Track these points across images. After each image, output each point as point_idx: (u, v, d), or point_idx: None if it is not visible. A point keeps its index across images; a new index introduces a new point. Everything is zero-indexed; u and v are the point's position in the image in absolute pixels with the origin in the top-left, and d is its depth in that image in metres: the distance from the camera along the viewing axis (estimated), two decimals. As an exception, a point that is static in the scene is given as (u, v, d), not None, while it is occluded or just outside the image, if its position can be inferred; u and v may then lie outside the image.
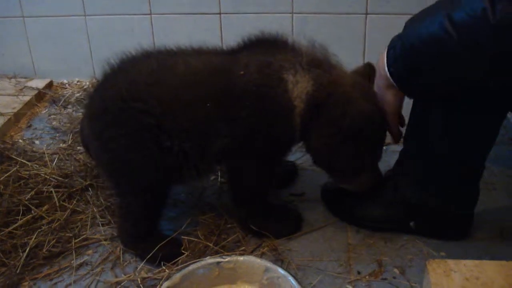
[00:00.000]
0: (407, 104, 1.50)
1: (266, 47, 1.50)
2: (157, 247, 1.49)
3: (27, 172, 1.86)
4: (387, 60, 1.34)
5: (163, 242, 1.51)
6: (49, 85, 2.70)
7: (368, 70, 1.55)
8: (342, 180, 1.63)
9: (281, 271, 1.32)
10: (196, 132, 1.46)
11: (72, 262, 1.54)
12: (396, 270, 1.48)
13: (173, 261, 1.49)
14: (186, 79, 1.46)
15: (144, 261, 1.51)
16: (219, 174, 1.89)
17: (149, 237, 1.55)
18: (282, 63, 1.45)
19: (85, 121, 1.58)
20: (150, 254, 1.49)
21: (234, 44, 1.55)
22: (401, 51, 1.29)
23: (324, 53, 1.53)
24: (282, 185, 1.85)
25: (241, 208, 1.63)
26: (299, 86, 1.44)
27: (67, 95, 2.58)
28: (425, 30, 1.22)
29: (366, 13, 2.35)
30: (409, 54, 1.28)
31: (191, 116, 1.44)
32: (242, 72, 1.43)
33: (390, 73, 1.34)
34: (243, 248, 1.56)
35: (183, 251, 1.52)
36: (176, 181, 1.59)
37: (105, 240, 1.62)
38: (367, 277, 1.46)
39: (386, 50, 1.35)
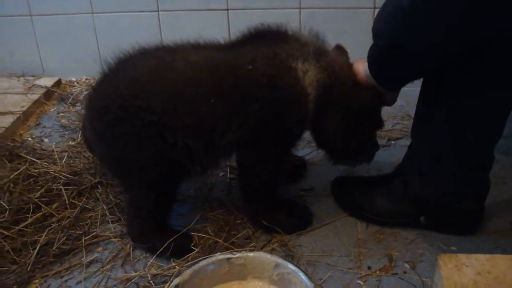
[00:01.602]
0: (413, 98, 1.50)
1: (270, 39, 1.50)
2: (168, 242, 1.50)
3: (37, 170, 1.86)
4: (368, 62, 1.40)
5: (174, 237, 1.51)
6: (58, 83, 2.69)
7: (341, 51, 1.59)
8: (348, 159, 1.66)
9: (291, 266, 1.32)
10: (201, 128, 1.46)
11: (82, 259, 1.55)
12: (406, 265, 1.47)
13: (183, 257, 1.50)
14: (188, 75, 1.45)
15: (155, 256, 1.51)
16: (228, 170, 1.89)
17: (159, 231, 1.56)
18: (291, 52, 1.46)
19: (87, 122, 1.58)
20: (161, 249, 1.49)
21: (233, 38, 1.55)
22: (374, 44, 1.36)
23: (322, 41, 1.55)
24: (292, 180, 1.84)
25: (251, 204, 1.63)
26: (310, 74, 1.45)
27: (76, 93, 2.58)
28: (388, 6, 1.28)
29: (374, 7, 2.35)
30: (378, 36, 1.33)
31: (195, 112, 1.44)
32: (250, 67, 1.43)
33: (368, 63, 1.40)
34: (253, 244, 1.56)
35: (193, 247, 1.52)
36: (182, 177, 1.59)
37: (115, 237, 1.62)
38: (377, 272, 1.46)
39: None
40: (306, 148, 2.00)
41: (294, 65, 1.45)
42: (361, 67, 1.46)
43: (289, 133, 1.53)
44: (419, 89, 1.49)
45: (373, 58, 1.40)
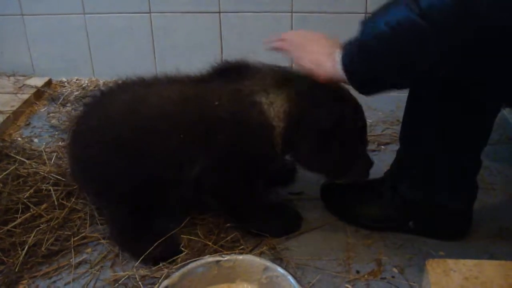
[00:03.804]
0: (402, 102, 1.51)
1: (233, 75, 1.51)
2: (152, 246, 1.49)
3: (26, 170, 1.86)
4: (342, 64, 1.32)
5: (159, 241, 1.51)
6: (48, 83, 2.68)
7: None
8: (339, 176, 1.64)
9: (280, 270, 1.32)
10: (171, 161, 1.49)
11: (71, 260, 1.54)
12: (395, 270, 1.48)
13: (172, 259, 1.50)
14: (160, 110, 1.49)
15: (139, 260, 1.50)
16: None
17: (143, 236, 1.56)
18: (253, 86, 1.47)
19: (70, 157, 1.68)
20: (145, 254, 1.49)
21: (204, 72, 1.56)
22: (359, 49, 1.30)
23: (283, 69, 1.54)
24: (281, 184, 1.85)
25: (237, 215, 1.64)
26: (275, 106, 1.45)
27: (66, 93, 2.57)
28: (392, 17, 1.21)
29: (366, 13, 2.35)
30: (369, 48, 1.28)
31: (165, 145, 1.47)
32: (216, 103, 1.46)
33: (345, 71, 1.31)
34: (242, 247, 1.56)
35: (182, 249, 1.52)
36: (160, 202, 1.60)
37: (104, 238, 1.62)
38: (366, 276, 1.46)
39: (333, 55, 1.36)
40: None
41: (258, 99, 1.45)
42: (329, 64, 1.36)
43: (256, 164, 1.54)
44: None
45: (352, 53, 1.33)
